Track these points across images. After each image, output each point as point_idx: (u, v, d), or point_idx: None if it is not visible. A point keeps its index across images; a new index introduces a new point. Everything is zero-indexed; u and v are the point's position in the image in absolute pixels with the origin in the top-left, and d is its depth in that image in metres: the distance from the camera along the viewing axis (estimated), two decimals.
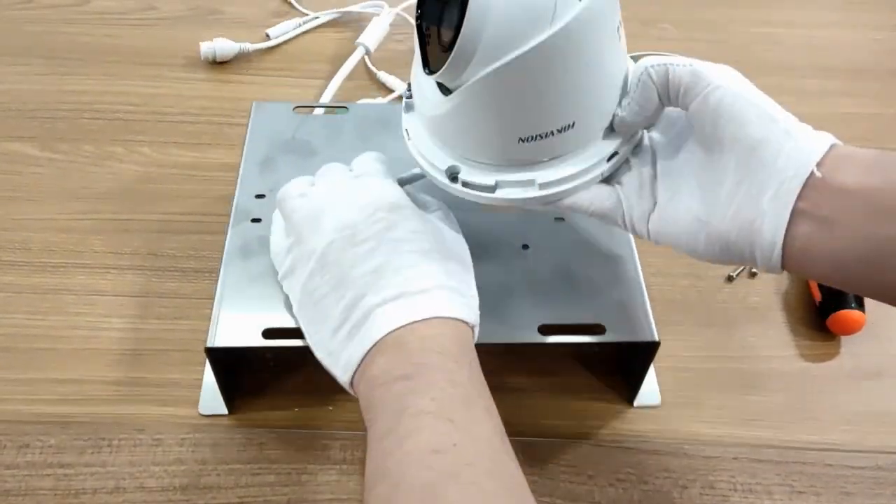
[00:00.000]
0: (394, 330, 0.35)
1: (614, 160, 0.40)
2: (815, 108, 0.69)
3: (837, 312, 0.50)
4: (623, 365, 0.48)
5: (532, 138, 0.38)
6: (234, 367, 0.46)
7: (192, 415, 0.46)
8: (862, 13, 0.80)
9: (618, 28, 0.38)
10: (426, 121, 0.41)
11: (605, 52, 0.37)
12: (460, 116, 0.38)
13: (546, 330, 0.43)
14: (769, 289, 0.54)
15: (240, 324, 0.42)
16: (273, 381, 0.47)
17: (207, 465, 0.44)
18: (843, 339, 0.52)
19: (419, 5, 0.37)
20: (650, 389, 0.48)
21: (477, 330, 0.39)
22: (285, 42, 0.72)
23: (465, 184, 0.40)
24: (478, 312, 0.39)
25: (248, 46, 0.70)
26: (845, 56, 0.74)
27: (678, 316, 0.52)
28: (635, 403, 0.47)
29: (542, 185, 0.39)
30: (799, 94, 0.70)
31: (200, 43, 0.68)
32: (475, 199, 0.40)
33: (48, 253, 0.54)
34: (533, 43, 0.34)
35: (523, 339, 0.42)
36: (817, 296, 0.52)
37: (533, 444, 0.45)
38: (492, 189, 0.40)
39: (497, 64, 0.35)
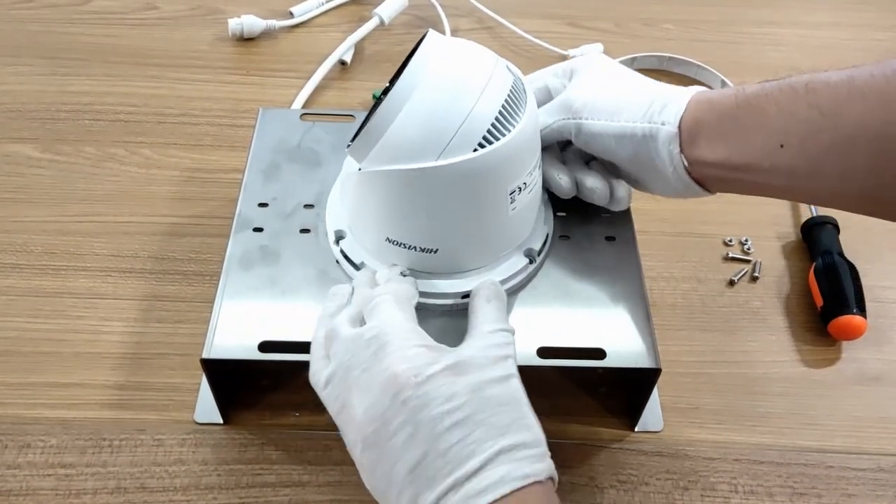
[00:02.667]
0: None
1: (468, 300, 0.42)
2: None
3: (839, 318, 0.50)
4: (624, 389, 0.47)
5: (397, 243, 0.42)
6: (230, 377, 0.46)
7: (192, 418, 0.46)
8: (863, 13, 0.80)
9: (513, 193, 0.41)
10: (345, 176, 0.44)
11: (485, 206, 0.41)
12: (357, 193, 0.42)
13: (545, 353, 0.42)
14: (770, 293, 0.54)
15: (236, 336, 0.42)
16: (272, 389, 0.47)
17: (208, 465, 0.44)
18: (845, 344, 0.52)
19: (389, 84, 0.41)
20: (652, 414, 0.47)
21: (556, 475, 0.34)
22: (308, 20, 0.74)
23: (342, 251, 0.44)
24: (549, 454, 0.34)
25: (275, 23, 0.72)
26: (849, 57, 0.74)
27: (679, 320, 0.52)
28: (637, 429, 0.46)
29: None
30: None
31: (228, 19, 0.71)
32: (346, 269, 0.44)
33: (49, 256, 0.54)
34: (416, 165, 0.38)
35: (521, 361, 0.40)
36: (818, 301, 0.52)
37: None
38: (357, 267, 0.44)
39: (385, 167, 0.39)
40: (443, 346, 0.36)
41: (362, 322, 0.38)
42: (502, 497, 0.31)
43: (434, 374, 0.34)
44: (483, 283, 0.41)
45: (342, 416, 0.36)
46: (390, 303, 0.37)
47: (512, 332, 0.38)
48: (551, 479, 0.34)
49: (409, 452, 0.33)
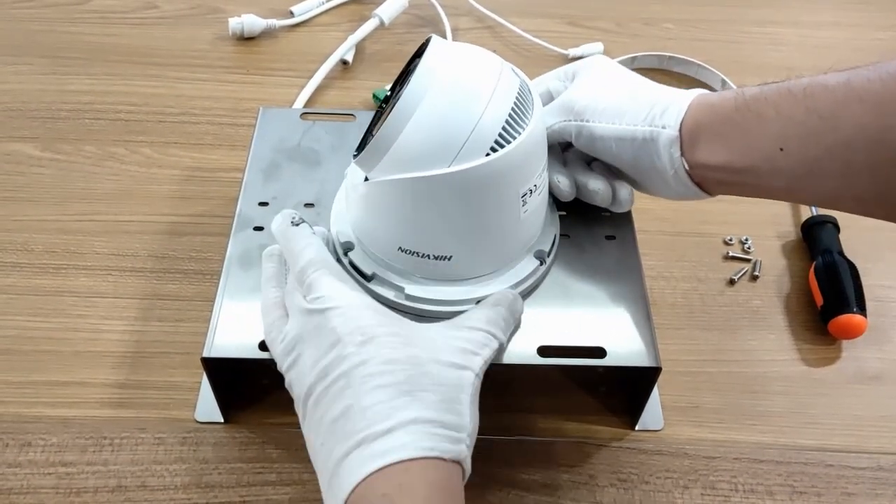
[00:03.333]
0: (353, 488, 0.31)
1: None
2: None
3: (839, 316, 0.50)
4: (625, 388, 0.47)
5: (410, 252, 0.42)
6: (231, 375, 0.46)
7: (193, 417, 0.46)
8: (866, 13, 0.80)
9: (524, 195, 0.41)
10: (350, 186, 0.44)
11: (499, 210, 0.41)
12: (366, 203, 0.42)
13: (545, 351, 0.42)
14: (770, 292, 0.54)
15: (237, 334, 0.42)
16: (273, 388, 0.47)
17: (209, 464, 0.44)
18: (845, 342, 0.52)
19: (391, 91, 0.41)
20: (653, 413, 0.47)
21: (467, 465, 0.34)
22: (308, 20, 0.74)
23: (350, 263, 0.44)
24: (467, 443, 0.34)
25: (275, 23, 0.72)
26: (849, 57, 0.74)
27: (679, 319, 0.52)
28: (637, 427, 0.46)
29: (409, 297, 0.43)
30: None
31: (229, 19, 0.71)
32: (356, 280, 0.44)
33: (49, 254, 0.54)
34: (428, 173, 0.38)
35: (522, 360, 0.41)
36: (819, 300, 0.52)
37: (534, 444, 0.45)
38: (368, 279, 0.43)
39: (395, 176, 0.39)
40: (399, 315, 0.38)
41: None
42: (397, 462, 0.31)
43: (378, 337, 0.35)
44: (501, 291, 0.41)
45: (292, 373, 0.36)
46: (325, 274, 0.38)
47: (501, 342, 0.38)
48: (459, 463, 0.34)
49: (336, 404, 0.34)
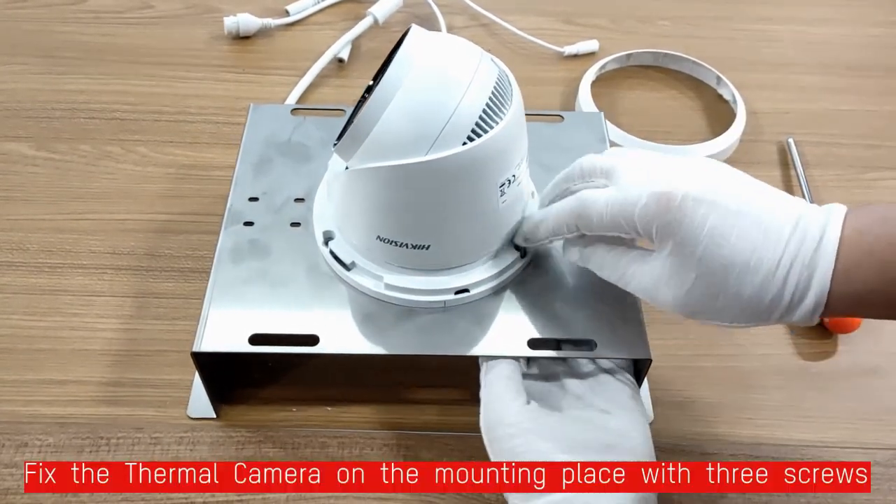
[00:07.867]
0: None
1: (462, 295, 0.43)
2: (814, 104, 0.69)
3: None
4: None
5: (388, 241, 0.42)
6: (222, 370, 0.46)
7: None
8: (860, 9, 0.80)
9: (502, 185, 0.40)
10: (331, 176, 0.44)
11: (476, 199, 0.40)
12: (345, 192, 0.42)
13: (536, 344, 0.42)
14: None
15: (227, 329, 0.42)
16: (266, 384, 0.47)
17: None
18: (841, 336, 0.52)
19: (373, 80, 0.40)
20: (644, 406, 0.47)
21: None
22: (304, 18, 0.74)
23: (331, 252, 0.44)
24: None
25: (271, 22, 0.72)
26: (844, 53, 0.74)
27: (674, 314, 0.52)
28: None
29: (388, 286, 0.43)
30: (797, 90, 0.70)
31: (224, 18, 0.71)
32: (336, 270, 0.44)
33: (45, 253, 0.54)
34: (404, 161, 0.38)
35: (513, 352, 0.41)
36: None
37: None
38: (347, 268, 0.44)
39: (373, 164, 0.39)
40: None
41: None
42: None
43: None
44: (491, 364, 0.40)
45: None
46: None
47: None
48: None
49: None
